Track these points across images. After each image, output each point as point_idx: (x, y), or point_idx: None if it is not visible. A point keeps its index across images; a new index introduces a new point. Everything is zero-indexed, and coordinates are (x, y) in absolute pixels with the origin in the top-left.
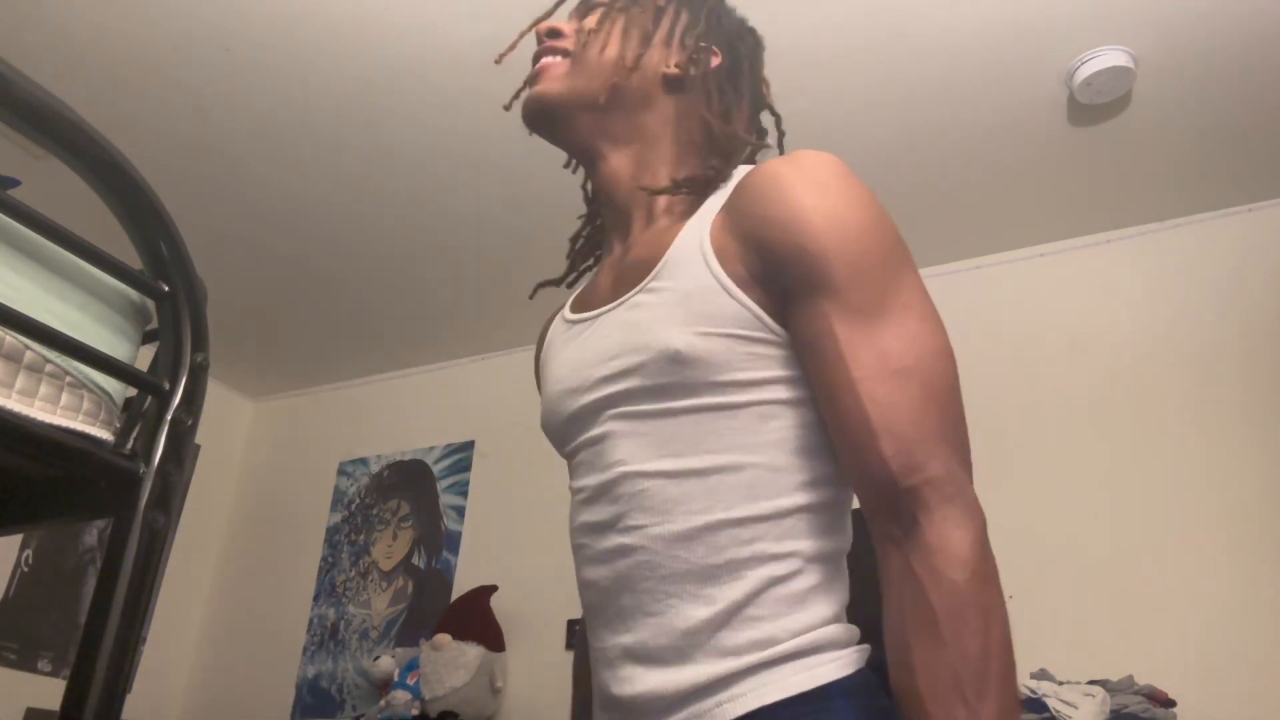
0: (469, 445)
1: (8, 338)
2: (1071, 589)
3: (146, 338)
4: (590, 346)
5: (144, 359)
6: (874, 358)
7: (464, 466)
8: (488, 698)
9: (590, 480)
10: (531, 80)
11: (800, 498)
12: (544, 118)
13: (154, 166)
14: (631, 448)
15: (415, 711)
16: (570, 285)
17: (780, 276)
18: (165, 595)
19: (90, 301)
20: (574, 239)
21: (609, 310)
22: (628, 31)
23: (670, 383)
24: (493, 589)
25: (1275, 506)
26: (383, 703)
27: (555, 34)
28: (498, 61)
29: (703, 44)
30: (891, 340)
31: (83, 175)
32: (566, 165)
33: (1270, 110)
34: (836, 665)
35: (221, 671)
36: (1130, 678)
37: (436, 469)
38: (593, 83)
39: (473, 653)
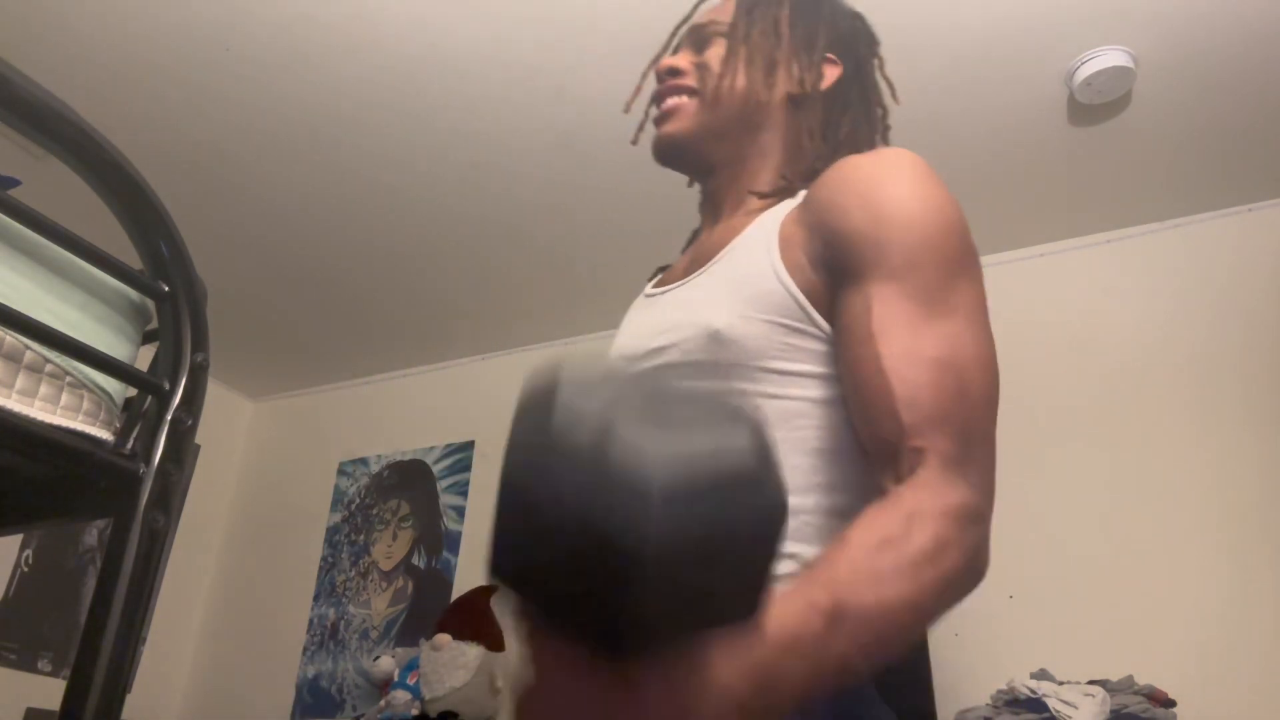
0: (469, 445)
1: (8, 338)
2: (1071, 589)
3: (146, 338)
4: (652, 319)
5: (144, 359)
6: (908, 342)
7: (464, 466)
8: (488, 698)
9: None
10: (661, 120)
11: (810, 500)
12: (678, 155)
13: (154, 166)
14: None
15: (415, 711)
16: None
17: (836, 258)
18: (165, 595)
19: (90, 301)
20: (694, 232)
21: (676, 287)
22: (751, 61)
23: (706, 360)
24: (493, 589)
25: (1275, 507)
26: (383, 703)
27: (675, 72)
28: (626, 110)
29: (817, 58)
30: (930, 335)
31: (83, 175)
32: (690, 185)
33: (1270, 110)
34: None
35: (221, 671)
36: (1130, 678)
37: (436, 469)
38: (723, 117)
39: (473, 653)
